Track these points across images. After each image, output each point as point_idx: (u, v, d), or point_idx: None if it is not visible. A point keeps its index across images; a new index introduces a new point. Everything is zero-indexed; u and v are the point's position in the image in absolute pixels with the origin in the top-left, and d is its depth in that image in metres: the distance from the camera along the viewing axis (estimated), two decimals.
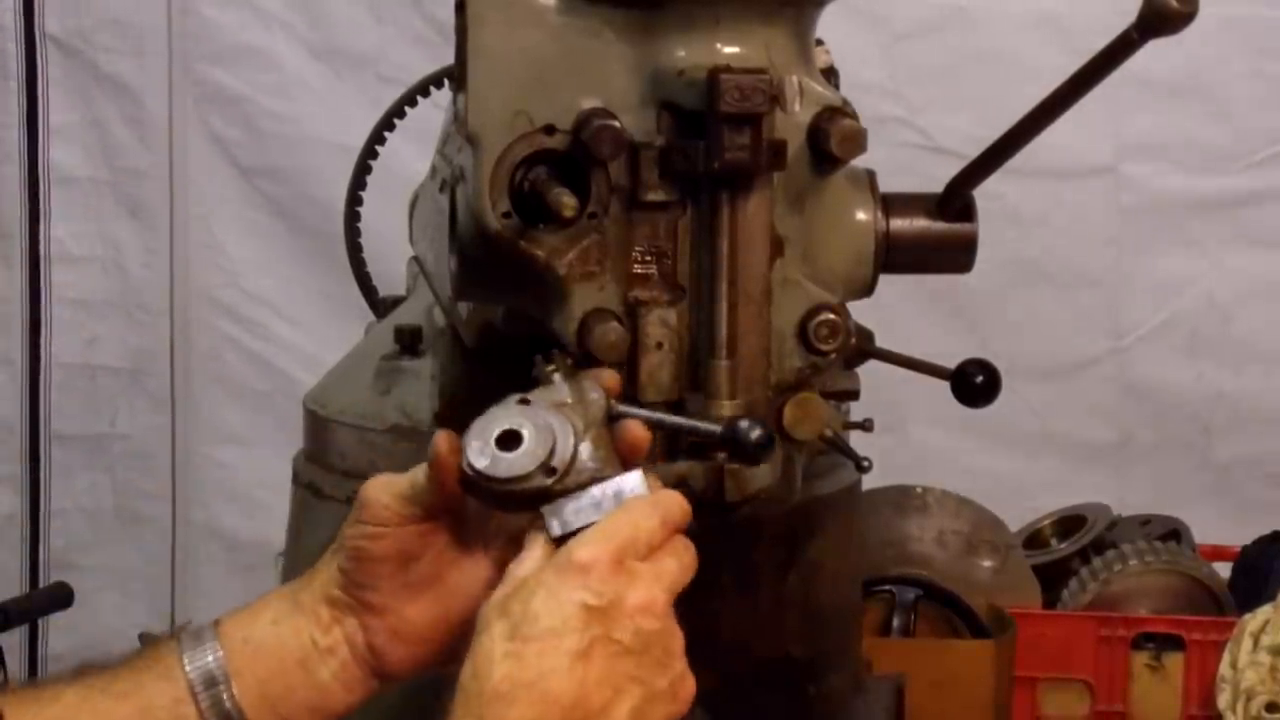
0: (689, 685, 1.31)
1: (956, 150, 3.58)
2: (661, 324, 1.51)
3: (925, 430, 3.65)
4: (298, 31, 3.86)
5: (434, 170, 2.07)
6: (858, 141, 1.50)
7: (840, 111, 1.52)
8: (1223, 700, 2.92)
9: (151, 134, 3.90)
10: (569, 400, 1.37)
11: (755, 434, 1.39)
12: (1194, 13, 1.37)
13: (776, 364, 1.54)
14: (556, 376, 1.40)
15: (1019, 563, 3.23)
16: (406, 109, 2.65)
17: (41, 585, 3.86)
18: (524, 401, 1.36)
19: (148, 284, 3.96)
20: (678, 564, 1.33)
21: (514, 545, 1.38)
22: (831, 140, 1.50)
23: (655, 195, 1.50)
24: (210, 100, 3.89)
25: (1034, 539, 3.47)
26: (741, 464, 1.49)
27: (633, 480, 1.35)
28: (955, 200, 1.64)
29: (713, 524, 1.66)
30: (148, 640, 2.55)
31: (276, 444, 3.83)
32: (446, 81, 2.52)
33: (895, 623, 2.89)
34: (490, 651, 1.26)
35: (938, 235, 1.65)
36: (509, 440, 1.34)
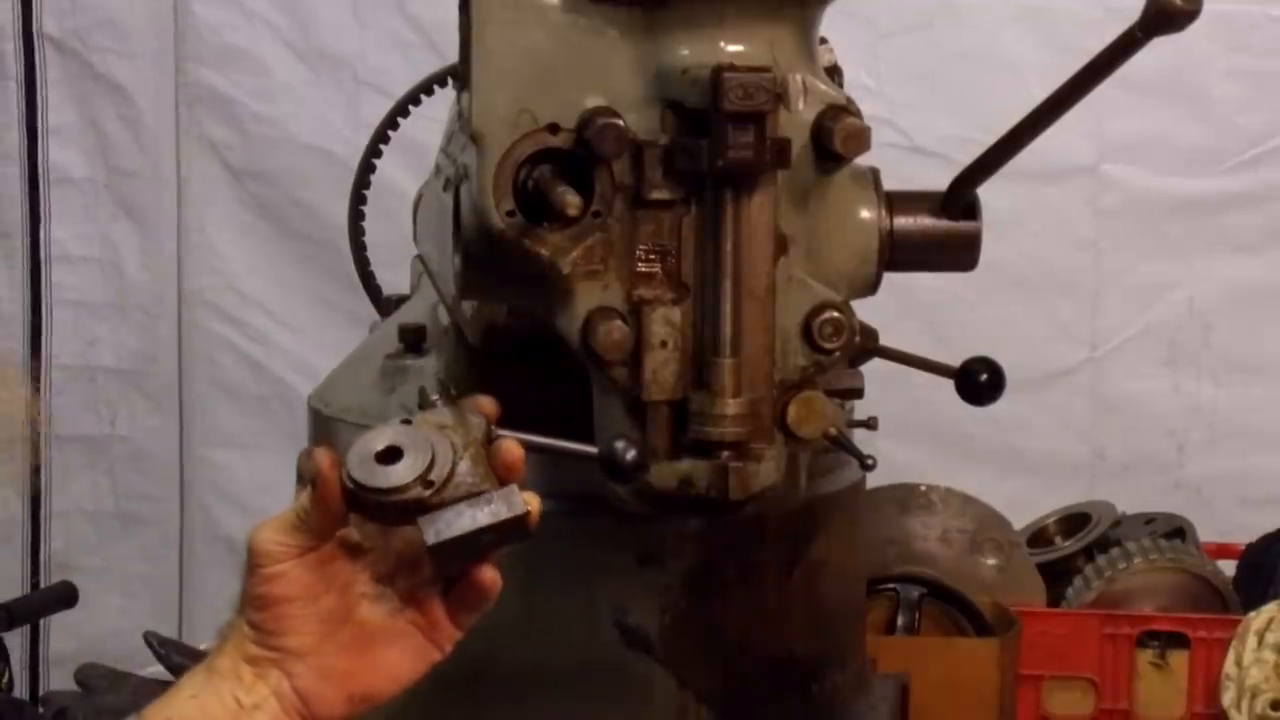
0: None
1: (936, 151, 3.55)
2: (665, 322, 1.51)
3: (893, 446, 3.51)
4: (282, 33, 3.83)
5: (438, 169, 2.07)
6: (862, 140, 1.50)
7: (844, 110, 1.52)
8: (1227, 698, 2.92)
9: (145, 135, 3.88)
10: (450, 422, 1.41)
11: (630, 455, 1.43)
12: (1198, 11, 1.37)
13: (781, 362, 1.54)
14: (439, 401, 1.44)
15: (1023, 561, 3.23)
16: (410, 106, 2.65)
17: (42, 587, 3.85)
18: (406, 422, 1.41)
19: (145, 286, 3.94)
20: None
21: (416, 574, 1.43)
22: (835, 138, 1.50)
23: (659, 194, 1.50)
24: (201, 101, 3.86)
25: (1038, 537, 3.47)
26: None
27: (507, 495, 1.38)
28: (959, 198, 1.65)
29: (717, 523, 1.66)
30: (153, 641, 2.55)
31: (273, 447, 3.84)
32: (450, 80, 2.52)
33: (900, 621, 2.89)
34: None
35: (941, 233, 1.65)
36: (390, 455, 1.38)
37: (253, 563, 1.44)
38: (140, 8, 3.83)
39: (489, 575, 1.43)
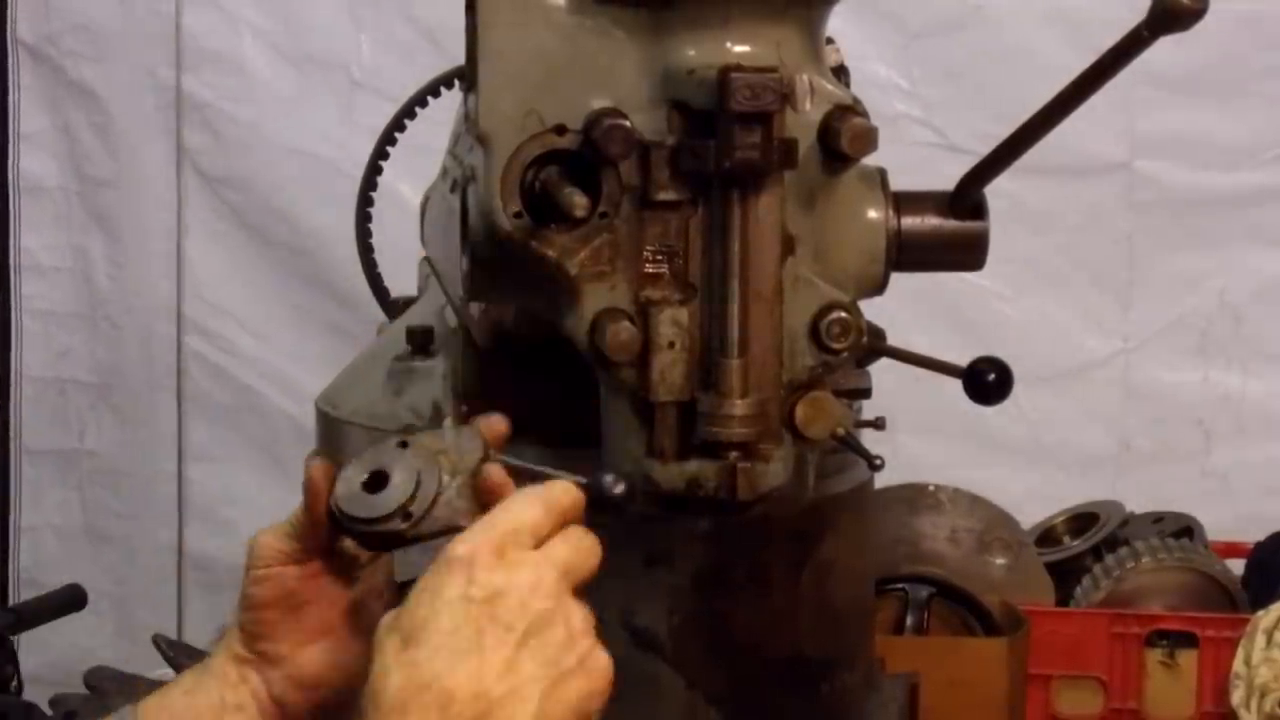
0: (600, 659, 1.29)
1: (971, 149, 3.57)
2: (673, 323, 1.51)
3: (916, 440, 3.61)
4: (269, 36, 3.77)
5: (445, 170, 2.07)
6: (869, 140, 1.50)
7: (851, 110, 1.52)
8: (1236, 697, 2.92)
9: (118, 142, 3.81)
10: (447, 447, 1.40)
11: (617, 490, 1.40)
12: (1204, 10, 1.37)
13: (788, 362, 1.54)
14: (446, 422, 1.45)
15: (1032, 560, 3.23)
16: (417, 109, 2.65)
17: (50, 590, 3.83)
18: (403, 445, 1.39)
19: (113, 296, 3.87)
20: (568, 548, 1.31)
21: (399, 595, 1.39)
22: (842, 139, 1.50)
23: (666, 194, 1.50)
24: (175, 106, 3.79)
25: (1047, 536, 3.47)
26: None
27: None
28: (966, 198, 1.64)
29: (725, 523, 1.66)
30: (161, 643, 2.56)
31: (241, 460, 3.79)
32: (456, 82, 2.52)
33: (908, 621, 2.89)
34: (385, 666, 1.24)
35: (949, 233, 1.65)
36: (377, 481, 1.37)
37: (247, 562, 1.45)
38: (116, 12, 3.77)
39: None
